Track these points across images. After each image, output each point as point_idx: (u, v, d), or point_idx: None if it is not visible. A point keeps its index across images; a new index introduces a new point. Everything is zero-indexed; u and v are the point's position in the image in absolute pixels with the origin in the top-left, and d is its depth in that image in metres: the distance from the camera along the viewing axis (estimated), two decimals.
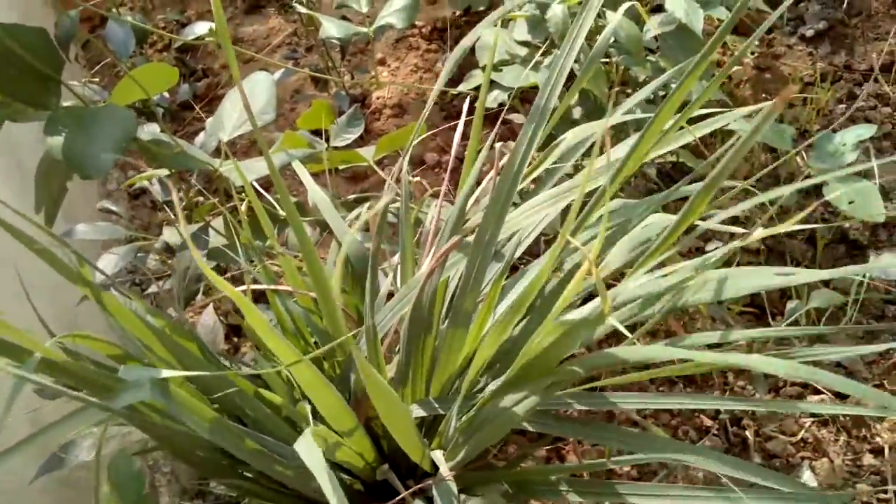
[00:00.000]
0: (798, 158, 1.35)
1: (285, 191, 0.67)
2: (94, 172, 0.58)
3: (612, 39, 0.93)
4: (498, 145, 0.82)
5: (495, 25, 1.14)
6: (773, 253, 1.27)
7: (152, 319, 0.55)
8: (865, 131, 1.16)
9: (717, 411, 1.13)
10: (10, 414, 0.71)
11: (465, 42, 0.60)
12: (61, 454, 0.74)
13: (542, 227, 0.71)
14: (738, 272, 0.64)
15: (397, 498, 0.59)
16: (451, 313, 0.54)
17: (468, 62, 1.52)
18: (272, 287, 0.67)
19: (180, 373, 0.38)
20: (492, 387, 0.47)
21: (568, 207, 0.79)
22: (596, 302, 0.38)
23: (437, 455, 0.58)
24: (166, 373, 0.39)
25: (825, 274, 0.68)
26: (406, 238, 0.68)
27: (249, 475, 0.67)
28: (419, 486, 0.58)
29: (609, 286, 0.61)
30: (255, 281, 0.70)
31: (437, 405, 0.62)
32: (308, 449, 0.38)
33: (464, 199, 0.58)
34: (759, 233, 0.69)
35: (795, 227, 0.60)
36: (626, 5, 0.82)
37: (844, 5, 1.53)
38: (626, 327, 0.48)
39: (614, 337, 0.86)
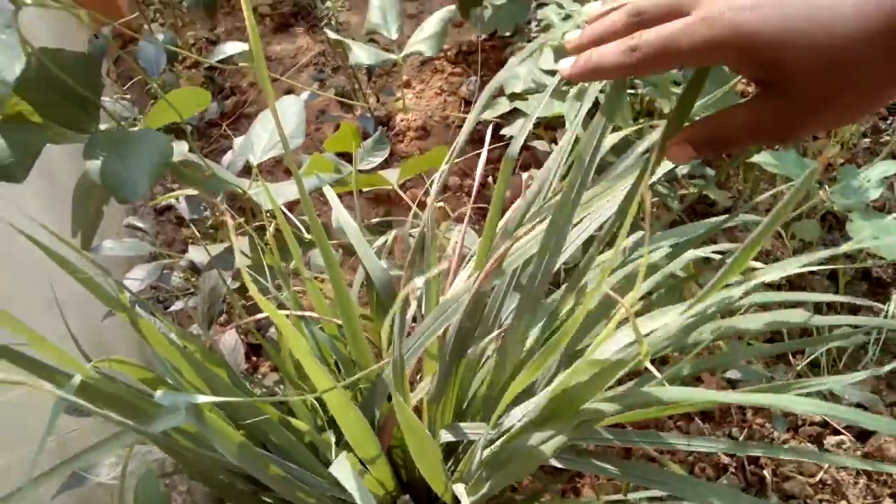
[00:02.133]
0: (820, 192, 1.34)
1: (315, 217, 0.68)
2: (131, 196, 0.59)
3: None
4: (525, 175, 0.83)
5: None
6: (794, 287, 1.27)
7: (177, 339, 0.56)
8: (891, 168, 1.16)
9: None
10: (33, 428, 0.72)
11: (500, 75, 0.61)
12: (82, 472, 0.74)
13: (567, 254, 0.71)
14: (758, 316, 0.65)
15: None
16: (503, 341, 0.55)
17: (497, 91, 1.53)
18: (300, 313, 0.67)
19: (215, 398, 0.39)
20: (519, 422, 0.47)
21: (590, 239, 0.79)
22: (629, 338, 0.39)
23: (459, 489, 0.58)
24: (201, 398, 0.40)
25: (845, 319, 0.69)
26: (431, 265, 0.68)
27: (268, 500, 0.67)
28: None
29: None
30: (282, 306, 0.71)
31: (466, 431, 0.62)
32: (344, 471, 0.38)
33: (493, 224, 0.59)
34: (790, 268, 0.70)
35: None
36: None
37: None
38: (652, 362, 0.48)
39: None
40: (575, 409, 0.40)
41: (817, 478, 1.05)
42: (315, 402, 0.64)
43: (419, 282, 0.62)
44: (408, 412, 0.43)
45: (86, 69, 0.63)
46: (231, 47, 1.25)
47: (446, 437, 0.63)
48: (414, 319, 0.69)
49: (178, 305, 1.25)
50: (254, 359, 1.42)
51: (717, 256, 0.80)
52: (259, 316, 0.71)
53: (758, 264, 0.93)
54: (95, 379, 0.43)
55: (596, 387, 0.38)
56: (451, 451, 0.72)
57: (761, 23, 0.37)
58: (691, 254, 0.76)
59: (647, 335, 0.37)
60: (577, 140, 0.81)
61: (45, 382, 0.41)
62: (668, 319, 0.37)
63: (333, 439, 0.61)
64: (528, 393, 0.53)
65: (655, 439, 0.66)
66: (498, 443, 0.52)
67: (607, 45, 0.44)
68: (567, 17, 0.79)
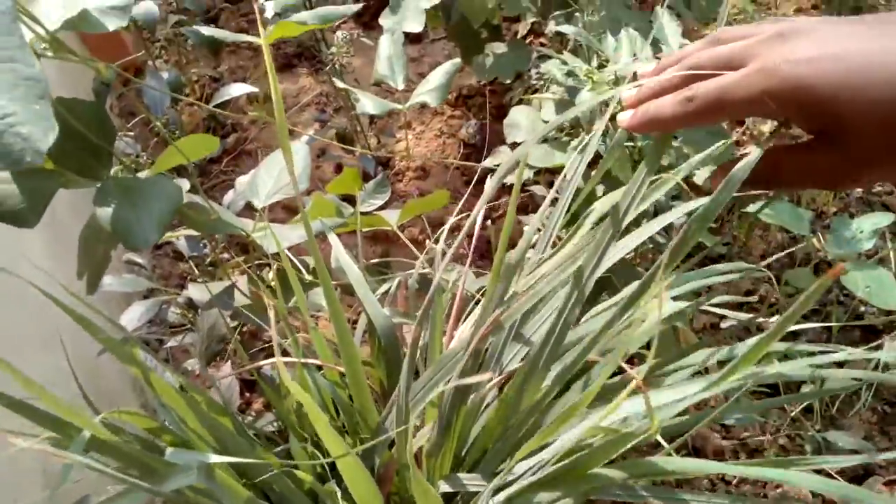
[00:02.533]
0: (814, 239, 1.37)
1: (322, 263, 0.69)
2: (142, 244, 0.60)
3: None
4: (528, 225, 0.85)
5: (522, 103, 1.18)
6: (788, 334, 1.28)
7: (170, 377, 0.57)
8: (882, 219, 1.18)
9: None
10: (26, 471, 0.72)
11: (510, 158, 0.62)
12: None
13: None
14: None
15: None
16: (507, 394, 0.55)
17: (495, 136, 1.56)
18: (305, 361, 0.68)
19: (227, 458, 0.39)
20: (524, 479, 0.48)
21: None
22: (639, 406, 0.40)
23: None
24: (213, 458, 0.40)
25: (842, 373, 0.70)
26: (436, 317, 0.69)
27: None
28: None
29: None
30: (286, 352, 0.72)
31: (465, 483, 0.63)
32: None
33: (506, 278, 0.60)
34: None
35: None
36: None
37: None
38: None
39: None
40: (583, 474, 0.41)
41: None
42: (315, 452, 0.65)
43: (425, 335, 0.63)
44: (425, 485, 0.44)
45: (99, 118, 0.65)
46: (235, 89, 1.26)
47: (444, 488, 0.64)
48: (417, 372, 0.70)
49: (174, 342, 1.25)
50: (247, 394, 1.42)
51: (714, 309, 0.81)
52: (266, 363, 0.72)
53: (744, 315, 0.94)
54: (105, 435, 0.43)
55: (605, 455, 0.39)
56: (448, 500, 0.73)
57: (818, 76, 0.38)
58: (690, 305, 0.77)
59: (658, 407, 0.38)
60: (578, 191, 0.83)
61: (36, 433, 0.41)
62: (676, 394, 0.38)
63: (336, 489, 0.61)
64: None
65: (664, 494, 0.66)
66: (502, 496, 0.52)
67: (664, 97, 0.46)
68: (570, 74, 0.82)
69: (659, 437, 0.40)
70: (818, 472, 1.11)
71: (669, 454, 0.40)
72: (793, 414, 1.20)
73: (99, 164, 0.65)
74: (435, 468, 0.63)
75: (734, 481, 1.14)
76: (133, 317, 1.09)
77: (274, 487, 0.61)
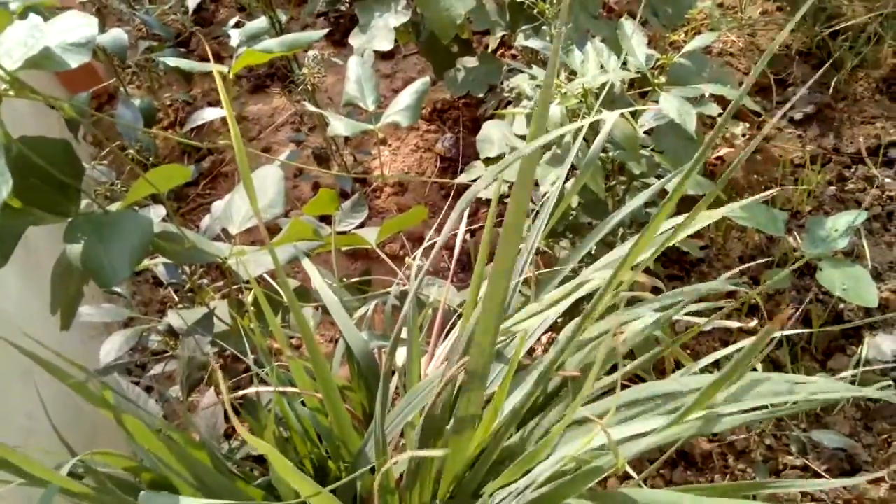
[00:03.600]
0: (790, 238, 1.38)
1: (292, 294, 0.69)
2: (112, 281, 0.60)
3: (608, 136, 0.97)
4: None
5: (495, 116, 1.19)
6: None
7: (153, 406, 0.56)
8: (856, 217, 1.19)
9: None
10: None
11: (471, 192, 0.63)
12: None
13: (544, 327, 0.73)
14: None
15: None
16: (455, 418, 0.55)
17: (472, 148, 1.56)
18: (283, 389, 0.68)
19: (202, 502, 0.39)
20: None
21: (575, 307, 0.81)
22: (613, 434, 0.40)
23: None
24: (187, 501, 0.40)
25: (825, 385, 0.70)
26: (413, 339, 0.69)
27: None
28: None
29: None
30: (263, 381, 0.71)
31: None
32: None
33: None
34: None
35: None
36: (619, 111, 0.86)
37: (831, 90, 1.59)
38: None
39: None
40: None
41: None
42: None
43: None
44: None
45: (65, 155, 0.64)
46: (208, 113, 1.26)
47: None
48: (396, 391, 0.70)
49: (156, 369, 1.24)
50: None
51: (693, 319, 0.81)
52: (242, 392, 0.71)
53: (733, 323, 0.94)
54: (77, 488, 0.43)
55: (578, 486, 0.39)
56: None
57: None
58: (668, 316, 0.78)
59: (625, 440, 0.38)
60: (559, 201, 0.84)
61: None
62: (644, 427, 0.38)
63: None
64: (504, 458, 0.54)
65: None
66: None
67: None
68: (540, 87, 0.82)
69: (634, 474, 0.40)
70: (804, 469, 1.12)
71: (639, 485, 0.40)
72: (777, 414, 1.20)
73: (67, 201, 0.65)
74: (414, 497, 0.62)
75: (723, 482, 1.15)
76: (113, 347, 1.08)
77: None
